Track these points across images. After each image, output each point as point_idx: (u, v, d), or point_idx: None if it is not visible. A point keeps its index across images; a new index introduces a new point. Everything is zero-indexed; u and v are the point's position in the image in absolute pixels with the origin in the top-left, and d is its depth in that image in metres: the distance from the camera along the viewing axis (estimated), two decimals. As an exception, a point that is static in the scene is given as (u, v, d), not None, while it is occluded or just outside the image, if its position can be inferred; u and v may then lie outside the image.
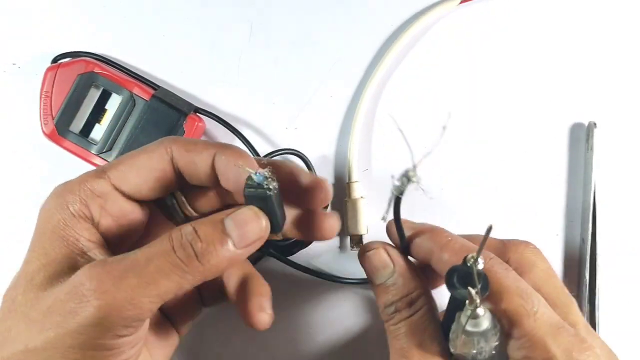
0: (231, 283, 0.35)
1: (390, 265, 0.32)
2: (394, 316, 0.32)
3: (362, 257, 0.34)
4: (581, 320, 0.31)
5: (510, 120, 0.50)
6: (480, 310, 0.26)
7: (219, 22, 0.51)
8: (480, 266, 0.28)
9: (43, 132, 0.47)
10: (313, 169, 0.48)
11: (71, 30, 0.50)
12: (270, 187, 0.29)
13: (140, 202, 0.33)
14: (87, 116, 0.47)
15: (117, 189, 0.31)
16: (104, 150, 0.47)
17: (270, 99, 0.50)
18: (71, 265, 0.29)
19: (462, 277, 0.28)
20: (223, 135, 0.49)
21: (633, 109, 0.50)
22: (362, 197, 0.48)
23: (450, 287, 0.28)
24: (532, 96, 0.50)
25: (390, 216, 0.33)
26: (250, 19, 0.51)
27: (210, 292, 0.38)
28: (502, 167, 0.50)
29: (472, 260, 0.27)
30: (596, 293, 0.48)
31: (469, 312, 0.26)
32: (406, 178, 0.32)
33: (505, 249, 0.33)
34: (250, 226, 0.29)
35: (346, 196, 0.48)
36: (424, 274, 0.34)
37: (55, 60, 0.48)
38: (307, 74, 0.50)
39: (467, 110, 0.50)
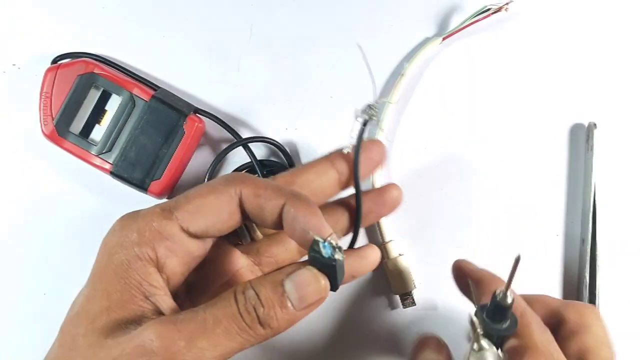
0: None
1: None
2: None
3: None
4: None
5: (510, 121, 0.50)
6: (485, 344, 0.27)
7: (219, 22, 0.51)
8: (509, 300, 0.28)
9: (43, 132, 0.47)
10: (292, 160, 0.48)
11: (71, 31, 0.50)
12: (336, 258, 0.29)
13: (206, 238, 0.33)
14: (87, 117, 0.47)
15: (184, 230, 0.31)
16: (104, 151, 0.47)
17: (270, 99, 0.50)
18: (135, 312, 0.28)
19: (490, 311, 0.28)
20: (223, 135, 0.49)
21: (633, 110, 0.50)
22: (400, 254, 0.48)
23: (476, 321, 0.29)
24: (533, 97, 0.50)
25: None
26: (250, 19, 0.51)
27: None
28: (502, 167, 0.50)
29: (500, 294, 0.28)
30: (596, 293, 0.48)
31: (474, 344, 0.27)
32: (369, 109, 0.37)
33: (564, 308, 0.33)
34: (310, 288, 0.29)
35: (384, 257, 0.47)
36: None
37: (55, 60, 0.48)
38: (307, 74, 0.50)
39: (468, 111, 0.50)
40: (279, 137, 0.49)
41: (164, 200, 0.38)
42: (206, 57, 0.50)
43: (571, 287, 0.49)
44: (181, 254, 0.31)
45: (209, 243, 0.33)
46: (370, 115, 0.39)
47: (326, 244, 0.29)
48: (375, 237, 0.49)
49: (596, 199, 0.48)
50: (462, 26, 0.49)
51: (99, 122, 0.48)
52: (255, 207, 0.31)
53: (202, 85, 0.50)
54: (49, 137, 0.47)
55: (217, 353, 0.27)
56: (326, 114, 0.50)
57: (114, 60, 0.49)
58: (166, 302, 0.30)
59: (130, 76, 0.49)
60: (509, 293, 0.28)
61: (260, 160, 0.48)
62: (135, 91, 0.47)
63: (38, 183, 0.50)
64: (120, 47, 0.50)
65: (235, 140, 0.48)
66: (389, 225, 0.49)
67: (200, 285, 0.35)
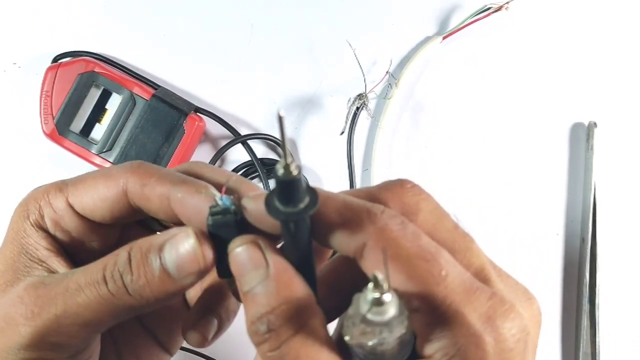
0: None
1: (262, 264, 0.23)
2: (267, 337, 0.22)
3: (230, 256, 0.25)
4: (487, 262, 0.26)
5: (511, 121, 0.50)
6: (387, 296, 0.20)
7: (219, 22, 0.51)
8: (294, 170, 0.20)
9: (43, 131, 0.47)
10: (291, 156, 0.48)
11: (71, 30, 0.50)
12: (237, 211, 0.25)
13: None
14: (87, 116, 0.47)
15: (70, 206, 0.29)
16: (105, 150, 0.47)
17: (270, 99, 0.50)
18: (26, 275, 0.28)
19: (277, 192, 0.21)
20: (224, 134, 0.50)
21: (633, 109, 0.50)
22: None
23: (273, 211, 0.22)
24: (533, 97, 0.50)
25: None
26: (250, 19, 0.51)
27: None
28: (502, 166, 0.50)
29: (280, 168, 0.20)
30: (596, 292, 0.48)
31: (370, 298, 0.20)
32: (360, 99, 0.41)
33: (379, 198, 0.25)
34: (190, 256, 0.25)
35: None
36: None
37: (55, 59, 0.48)
38: (307, 73, 0.50)
39: (468, 110, 0.50)
40: (279, 136, 0.49)
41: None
42: (206, 56, 0.50)
43: (571, 286, 0.49)
44: (72, 230, 0.30)
45: (111, 231, 0.31)
46: (361, 104, 0.44)
47: (224, 197, 0.25)
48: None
49: (596, 198, 0.48)
50: (462, 25, 0.49)
51: (99, 121, 0.48)
52: (141, 198, 0.28)
53: (203, 84, 0.50)
54: (50, 136, 0.47)
55: (78, 322, 0.25)
56: (326, 113, 0.50)
57: (115, 59, 0.49)
58: (61, 264, 0.29)
59: (131, 75, 0.49)
60: (290, 162, 0.20)
61: (261, 159, 0.48)
62: (136, 90, 0.47)
63: (38, 182, 0.49)
64: (121, 46, 0.50)
65: (234, 138, 0.48)
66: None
67: None
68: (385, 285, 0.20)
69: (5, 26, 0.50)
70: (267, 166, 0.48)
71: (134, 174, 0.28)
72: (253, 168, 0.48)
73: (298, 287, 0.23)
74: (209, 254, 0.25)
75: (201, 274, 0.26)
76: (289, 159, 0.20)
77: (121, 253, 0.26)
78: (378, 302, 0.20)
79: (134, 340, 0.33)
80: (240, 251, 0.24)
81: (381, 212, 0.23)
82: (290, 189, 0.21)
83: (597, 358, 0.47)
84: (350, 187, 0.49)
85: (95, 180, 0.29)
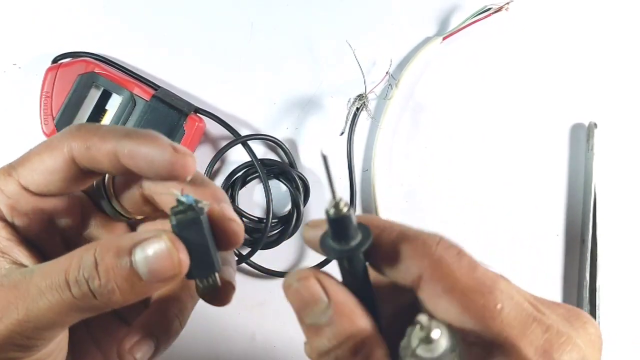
0: None
1: (323, 299, 0.23)
2: None
3: (288, 291, 0.24)
4: (530, 295, 0.25)
5: (511, 121, 0.50)
6: (435, 333, 0.20)
7: (219, 22, 0.51)
8: (343, 208, 0.21)
9: (43, 132, 0.47)
10: (292, 157, 0.49)
11: (71, 31, 0.50)
12: (203, 206, 0.25)
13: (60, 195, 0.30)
14: (87, 116, 0.47)
15: (24, 188, 0.28)
16: (105, 151, 0.47)
17: (270, 99, 0.50)
18: None
19: (331, 232, 0.22)
20: (224, 134, 0.50)
21: (633, 109, 0.50)
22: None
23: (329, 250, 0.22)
24: (533, 97, 0.50)
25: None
26: (250, 19, 0.51)
27: None
28: (502, 167, 0.50)
29: (331, 208, 0.21)
30: (596, 293, 0.48)
31: (419, 335, 0.21)
32: (360, 99, 0.42)
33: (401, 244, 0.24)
34: (164, 262, 0.24)
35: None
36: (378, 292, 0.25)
37: (55, 60, 0.48)
38: (307, 74, 0.50)
39: (468, 110, 0.50)
40: (279, 137, 0.49)
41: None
42: (206, 56, 0.50)
43: (571, 287, 0.49)
44: (30, 212, 0.29)
45: (70, 200, 0.31)
46: (361, 104, 0.45)
47: (187, 195, 0.24)
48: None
49: (596, 198, 0.48)
50: (462, 26, 0.49)
51: (99, 121, 0.48)
52: (89, 160, 0.28)
53: (203, 85, 0.50)
54: (50, 136, 0.47)
55: (42, 325, 0.25)
56: (326, 114, 0.50)
57: (115, 59, 0.49)
58: (24, 253, 0.28)
59: (131, 76, 0.49)
60: (338, 200, 0.21)
61: (261, 159, 0.48)
62: (136, 91, 0.47)
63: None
64: (121, 46, 0.50)
65: (234, 138, 0.48)
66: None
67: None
68: (433, 324, 0.21)
69: (5, 26, 0.50)
70: (267, 167, 0.48)
71: (76, 138, 0.28)
72: (253, 168, 0.48)
73: (361, 320, 0.23)
74: (185, 257, 0.25)
75: (176, 278, 0.25)
76: (338, 197, 0.21)
77: (85, 256, 0.25)
78: (427, 340, 0.21)
79: (106, 323, 0.33)
80: (299, 286, 0.24)
81: (437, 244, 0.23)
82: (341, 227, 0.22)
83: (597, 358, 0.47)
84: (350, 188, 0.49)
85: (40, 155, 0.28)
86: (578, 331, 0.23)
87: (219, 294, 0.28)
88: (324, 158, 0.21)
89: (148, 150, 0.27)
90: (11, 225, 0.29)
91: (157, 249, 0.24)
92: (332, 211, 0.21)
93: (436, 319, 0.21)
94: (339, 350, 0.23)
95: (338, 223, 0.21)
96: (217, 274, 0.27)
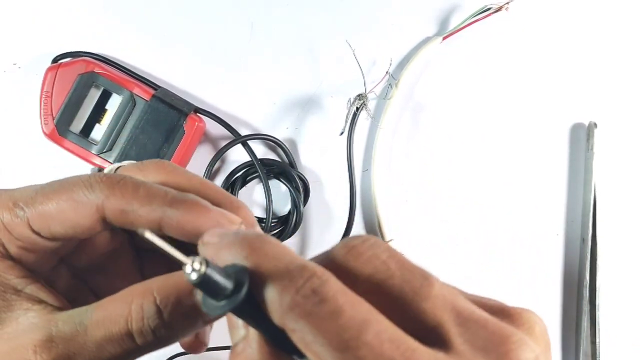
0: None
1: (239, 327, 0.21)
2: None
3: None
4: (446, 312, 0.20)
5: (511, 121, 0.50)
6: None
7: (219, 22, 0.51)
8: (189, 270, 0.19)
9: (43, 132, 0.47)
10: (292, 156, 0.49)
11: (71, 30, 0.50)
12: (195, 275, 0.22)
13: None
14: (87, 116, 0.47)
15: (35, 232, 0.26)
16: (105, 151, 0.47)
17: (270, 99, 0.50)
18: (10, 309, 0.25)
19: (205, 295, 0.20)
20: (224, 134, 0.50)
21: (633, 109, 0.50)
22: None
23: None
24: (533, 97, 0.50)
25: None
26: (250, 18, 0.51)
27: None
28: (502, 167, 0.50)
29: (188, 268, 0.19)
30: (596, 293, 0.48)
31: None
32: (359, 99, 0.43)
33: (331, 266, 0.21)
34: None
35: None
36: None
37: (55, 60, 0.48)
38: (307, 73, 0.50)
39: (468, 110, 0.50)
40: (279, 136, 0.49)
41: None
42: (206, 56, 0.50)
43: (571, 287, 0.49)
44: (39, 251, 0.27)
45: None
46: (360, 104, 0.46)
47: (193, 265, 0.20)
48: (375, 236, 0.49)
49: (596, 198, 0.48)
50: (462, 25, 0.49)
51: (99, 121, 0.48)
52: (124, 223, 0.25)
53: (203, 85, 0.50)
54: (50, 136, 0.47)
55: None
56: (326, 114, 0.50)
57: (115, 59, 0.49)
58: (40, 289, 0.26)
59: (131, 75, 0.49)
60: (191, 262, 0.19)
61: (261, 159, 0.48)
62: (136, 90, 0.47)
63: (38, 182, 0.49)
64: (121, 46, 0.50)
65: (234, 138, 0.48)
66: (389, 224, 0.49)
67: (82, 266, 0.30)
68: None
69: (5, 26, 0.50)
70: (267, 166, 0.48)
71: (111, 197, 0.25)
72: (253, 168, 0.48)
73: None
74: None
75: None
76: (188, 261, 0.19)
77: (146, 304, 0.23)
78: None
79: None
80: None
81: (296, 290, 0.19)
82: (209, 285, 0.19)
83: (597, 358, 0.47)
84: (350, 188, 0.49)
85: (58, 203, 0.25)
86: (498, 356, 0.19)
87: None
88: (150, 240, 0.19)
89: (200, 222, 0.25)
90: (19, 262, 0.27)
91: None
92: (193, 276, 0.19)
93: None
94: None
95: (204, 285, 0.19)
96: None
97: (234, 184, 0.49)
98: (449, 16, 0.51)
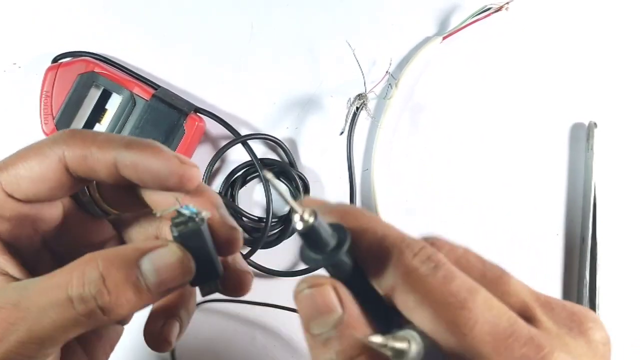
0: None
1: (338, 310, 0.21)
2: None
3: (299, 296, 0.22)
4: (528, 294, 0.23)
5: (511, 121, 0.50)
6: (403, 345, 0.20)
7: (219, 22, 0.51)
8: (307, 216, 0.20)
9: (43, 131, 0.47)
10: (292, 156, 0.49)
11: (71, 30, 0.50)
12: (204, 217, 0.24)
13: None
14: (87, 116, 0.47)
15: (9, 195, 0.27)
16: (105, 150, 0.47)
17: (270, 99, 0.50)
18: None
19: (305, 244, 0.21)
20: (224, 134, 0.50)
21: (633, 109, 0.50)
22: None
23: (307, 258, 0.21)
24: (533, 97, 0.50)
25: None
26: (250, 18, 0.51)
27: None
28: (502, 166, 0.50)
29: (310, 217, 0.20)
30: (596, 292, 0.48)
31: (391, 347, 0.20)
32: (359, 99, 0.43)
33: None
34: (174, 272, 0.24)
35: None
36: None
37: (55, 60, 0.48)
38: (307, 73, 0.50)
39: (468, 110, 0.50)
40: (279, 136, 0.49)
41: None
42: (206, 56, 0.50)
43: (571, 286, 0.49)
44: (13, 218, 0.27)
45: (56, 207, 0.29)
46: (360, 104, 0.46)
47: (186, 206, 0.24)
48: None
49: (596, 198, 0.48)
50: (462, 25, 0.49)
51: (99, 121, 0.48)
52: (85, 170, 0.26)
53: (203, 85, 0.50)
54: (49, 135, 0.47)
55: (44, 343, 0.24)
56: (326, 113, 0.50)
57: (115, 59, 0.49)
58: (8, 261, 0.27)
59: (131, 75, 0.49)
60: (302, 212, 0.20)
61: (261, 159, 0.48)
62: (136, 90, 0.47)
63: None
64: (121, 46, 0.50)
65: (234, 138, 0.48)
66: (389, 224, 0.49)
67: (67, 256, 0.30)
68: (393, 343, 0.20)
69: (5, 26, 0.50)
70: (267, 166, 0.48)
71: (71, 145, 0.26)
72: (253, 168, 0.48)
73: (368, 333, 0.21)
74: (193, 265, 0.25)
75: (184, 286, 0.25)
76: (300, 210, 0.20)
77: (88, 271, 0.24)
78: (397, 355, 0.20)
79: None
80: (311, 293, 0.22)
81: (414, 255, 0.21)
82: (312, 237, 0.21)
83: (597, 358, 0.47)
84: (350, 188, 0.49)
85: (27, 161, 0.27)
86: (576, 339, 0.22)
87: (240, 286, 0.28)
88: (267, 181, 0.21)
89: (152, 162, 0.26)
90: None
91: (167, 259, 0.24)
92: (300, 225, 0.20)
93: (409, 328, 0.21)
94: None
95: (308, 235, 0.20)
96: (218, 280, 0.27)
97: (234, 183, 0.49)
98: (449, 16, 0.51)
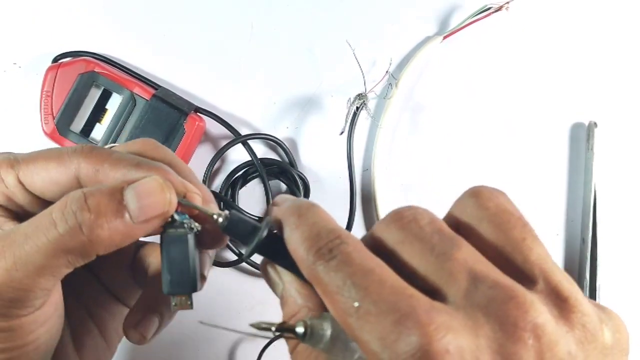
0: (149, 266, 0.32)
1: (277, 282, 0.26)
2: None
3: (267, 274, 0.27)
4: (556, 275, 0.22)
5: (511, 121, 0.50)
6: (299, 328, 0.23)
7: (219, 22, 0.51)
8: (218, 217, 0.26)
9: (44, 131, 0.47)
10: (292, 156, 0.49)
11: (72, 30, 0.50)
12: (193, 227, 0.26)
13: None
14: (87, 116, 0.47)
15: (20, 183, 0.29)
16: (105, 150, 0.47)
17: (270, 99, 0.50)
18: None
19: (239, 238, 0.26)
20: (224, 134, 0.50)
21: (633, 109, 0.50)
22: None
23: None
24: (533, 97, 0.50)
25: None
26: (250, 18, 0.51)
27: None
28: (502, 166, 0.50)
29: (220, 218, 0.26)
30: (597, 293, 0.48)
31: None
32: (359, 99, 0.44)
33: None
34: (154, 198, 0.26)
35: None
36: None
37: (55, 59, 0.48)
38: (307, 73, 0.50)
39: (468, 110, 0.50)
40: (279, 136, 0.49)
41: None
42: (207, 56, 0.50)
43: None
44: (24, 205, 0.29)
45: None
46: (360, 103, 0.47)
47: (179, 212, 0.27)
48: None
49: (596, 198, 0.48)
50: (462, 25, 0.49)
51: (99, 121, 0.48)
52: (95, 184, 0.27)
53: (203, 84, 0.50)
54: (50, 136, 0.47)
55: (31, 270, 0.25)
56: (327, 113, 0.50)
57: (115, 59, 0.49)
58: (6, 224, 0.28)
59: (131, 75, 0.49)
60: (215, 214, 0.26)
61: (261, 159, 0.48)
62: (136, 90, 0.47)
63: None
64: (121, 46, 0.50)
65: (234, 138, 0.48)
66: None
67: None
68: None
69: (5, 26, 0.50)
70: (268, 166, 0.48)
71: (86, 159, 0.28)
72: (253, 168, 0.48)
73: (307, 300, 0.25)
74: (174, 197, 0.26)
75: (164, 218, 0.26)
76: (212, 212, 0.26)
77: (72, 193, 0.25)
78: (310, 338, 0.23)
79: (103, 302, 0.34)
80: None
81: (317, 250, 0.23)
82: (235, 228, 0.26)
83: (597, 358, 0.47)
84: (350, 187, 0.49)
85: (47, 162, 0.28)
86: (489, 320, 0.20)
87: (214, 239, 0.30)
88: (180, 202, 0.26)
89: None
90: (4, 207, 0.29)
91: (148, 185, 0.26)
92: (220, 220, 0.26)
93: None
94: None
95: (231, 226, 0.26)
96: (191, 295, 0.27)
97: (234, 183, 0.49)
98: (449, 16, 0.51)
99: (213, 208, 0.28)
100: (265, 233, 0.24)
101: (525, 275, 0.22)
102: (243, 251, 0.25)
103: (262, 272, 0.27)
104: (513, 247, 0.24)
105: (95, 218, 0.25)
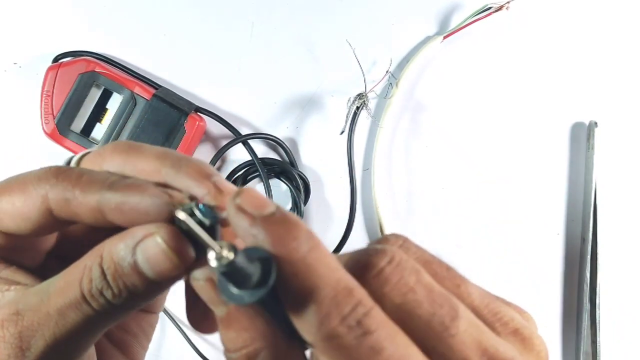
0: None
1: (220, 304, 0.22)
2: None
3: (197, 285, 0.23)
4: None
5: (511, 121, 0.50)
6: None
7: (220, 22, 0.51)
8: (230, 256, 0.18)
9: (44, 131, 0.47)
10: (292, 156, 0.49)
11: (72, 30, 0.50)
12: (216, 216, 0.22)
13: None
14: (88, 115, 0.47)
15: None
16: (105, 150, 0.47)
17: (271, 99, 0.50)
18: None
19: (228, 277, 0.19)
20: (224, 134, 0.50)
21: (633, 109, 0.50)
22: None
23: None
24: (533, 96, 0.50)
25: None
26: (250, 18, 0.51)
27: None
28: (503, 166, 0.50)
29: (229, 252, 0.18)
30: (597, 292, 0.48)
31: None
32: (360, 98, 0.43)
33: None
34: (162, 266, 0.23)
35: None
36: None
37: (56, 59, 0.48)
38: (307, 73, 0.50)
39: (469, 109, 0.50)
40: (279, 136, 0.49)
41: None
42: (207, 56, 0.50)
43: (571, 286, 0.49)
44: (3, 247, 0.26)
45: (50, 236, 0.28)
46: (361, 103, 0.47)
47: (203, 208, 0.21)
48: (375, 236, 0.49)
49: (597, 197, 0.48)
50: (463, 25, 0.49)
51: (100, 120, 0.48)
52: (69, 215, 0.24)
53: (203, 84, 0.50)
54: (50, 135, 0.47)
55: (72, 344, 0.24)
56: (327, 113, 0.50)
57: (115, 59, 0.49)
58: (17, 273, 0.26)
59: (131, 75, 0.49)
60: (219, 249, 0.18)
61: (262, 159, 0.48)
62: (137, 90, 0.47)
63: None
64: (121, 45, 0.50)
65: (235, 137, 0.48)
66: (389, 224, 0.49)
67: (75, 256, 0.28)
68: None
69: (5, 26, 0.50)
70: (268, 166, 0.48)
71: (54, 187, 0.24)
72: (254, 168, 0.48)
73: (256, 333, 0.21)
74: (179, 258, 0.23)
75: (184, 271, 0.23)
76: (217, 247, 0.18)
77: (94, 268, 0.23)
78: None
79: (118, 325, 0.32)
80: (198, 286, 0.22)
81: (341, 319, 0.18)
82: (232, 274, 0.18)
83: (597, 358, 0.47)
84: (351, 187, 0.49)
85: (10, 195, 0.25)
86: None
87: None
88: (186, 221, 0.20)
89: (138, 201, 0.23)
90: None
91: (151, 250, 0.23)
92: (215, 263, 0.18)
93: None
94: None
95: (227, 273, 0.18)
96: None
97: (234, 183, 0.49)
98: (449, 15, 0.51)
99: (215, 239, 0.22)
100: (272, 282, 0.18)
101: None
102: (227, 291, 0.19)
103: (196, 287, 0.22)
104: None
105: (119, 293, 0.23)
